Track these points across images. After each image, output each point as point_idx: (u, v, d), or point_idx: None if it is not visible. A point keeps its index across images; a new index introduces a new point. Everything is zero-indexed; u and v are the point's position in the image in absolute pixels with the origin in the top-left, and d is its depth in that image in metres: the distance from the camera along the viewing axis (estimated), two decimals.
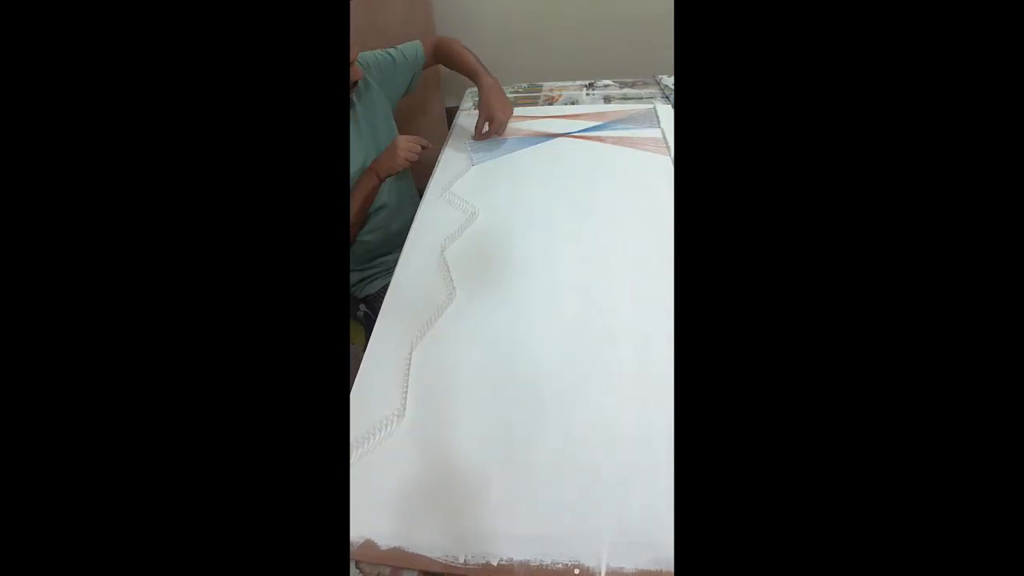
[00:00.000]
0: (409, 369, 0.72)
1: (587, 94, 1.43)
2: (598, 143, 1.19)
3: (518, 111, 1.37)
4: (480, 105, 1.21)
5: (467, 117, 1.36)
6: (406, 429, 0.65)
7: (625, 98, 1.39)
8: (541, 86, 1.49)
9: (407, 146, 1.09)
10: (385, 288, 0.88)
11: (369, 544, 0.55)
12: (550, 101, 1.41)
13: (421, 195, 1.12)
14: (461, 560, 0.53)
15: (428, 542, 0.54)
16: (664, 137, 1.18)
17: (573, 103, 1.39)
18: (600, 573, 0.51)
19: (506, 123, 1.20)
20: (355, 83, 1.09)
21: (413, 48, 1.26)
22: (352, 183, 1.10)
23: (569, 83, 1.49)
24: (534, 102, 1.42)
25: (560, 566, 0.52)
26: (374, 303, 1.19)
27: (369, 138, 1.15)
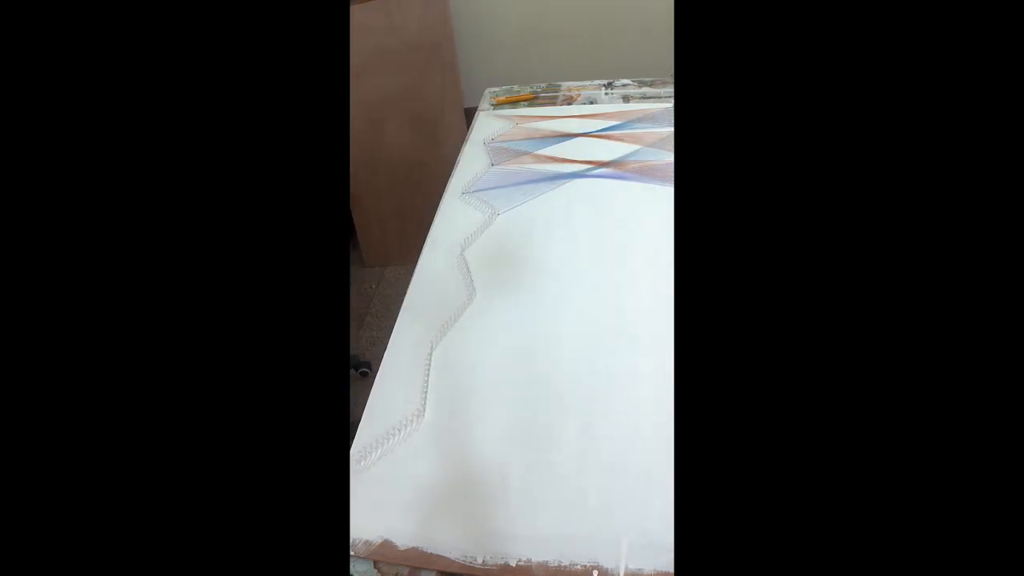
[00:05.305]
0: (429, 369, 0.72)
1: (606, 93, 1.42)
2: (617, 142, 1.18)
3: (536, 111, 1.36)
4: None
5: (486, 117, 1.36)
6: (426, 429, 0.65)
7: (644, 97, 1.38)
8: (560, 86, 1.49)
9: None
10: None
11: (387, 544, 0.55)
12: (568, 101, 1.41)
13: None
14: (479, 560, 0.53)
15: (446, 542, 0.55)
16: None
17: (592, 103, 1.38)
18: (619, 574, 0.51)
19: None
20: None
21: None
22: None
23: (587, 83, 1.49)
24: (553, 102, 1.42)
25: (579, 567, 0.52)
26: None
27: None
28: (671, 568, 0.51)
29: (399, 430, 0.65)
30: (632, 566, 0.51)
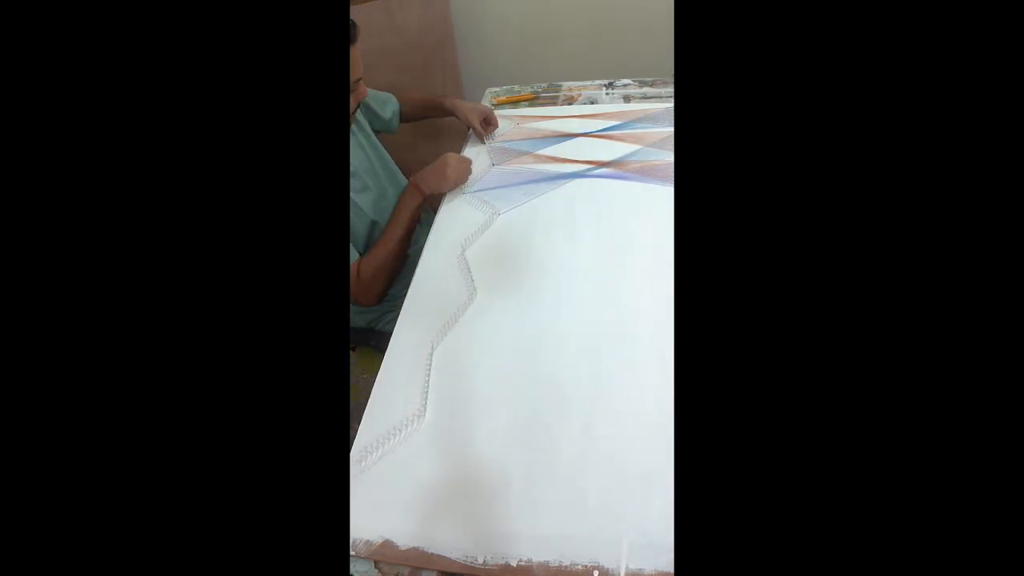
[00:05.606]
0: (430, 369, 0.73)
1: (607, 93, 1.42)
2: (618, 142, 1.18)
3: (537, 111, 1.37)
4: (465, 114, 1.28)
5: None
6: (427, 429, 0.66)
7: (644, 97, 1.38)
8: (560, 86, 1.49)
9: (460, 167, 1.07)
10: None
11: (388, 544, 0.55)
12: (569, 101, 1.41)
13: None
14: (480, 560, 0.53)
15: (447, 542, 0.55)
16: None
17: (592, 103, 1.38)
18: (619, 574, 0.51)
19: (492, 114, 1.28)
20: (356, 108, 0.98)
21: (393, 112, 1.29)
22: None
23: (588, 83, 1.49)
24: (553, 102, 1.42)
25: (579, 567, 0.52)
26: None
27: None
28: (671, 568, 0.51)
29: (400, 430, 0.65)
30: (632, 566, 0.51)
